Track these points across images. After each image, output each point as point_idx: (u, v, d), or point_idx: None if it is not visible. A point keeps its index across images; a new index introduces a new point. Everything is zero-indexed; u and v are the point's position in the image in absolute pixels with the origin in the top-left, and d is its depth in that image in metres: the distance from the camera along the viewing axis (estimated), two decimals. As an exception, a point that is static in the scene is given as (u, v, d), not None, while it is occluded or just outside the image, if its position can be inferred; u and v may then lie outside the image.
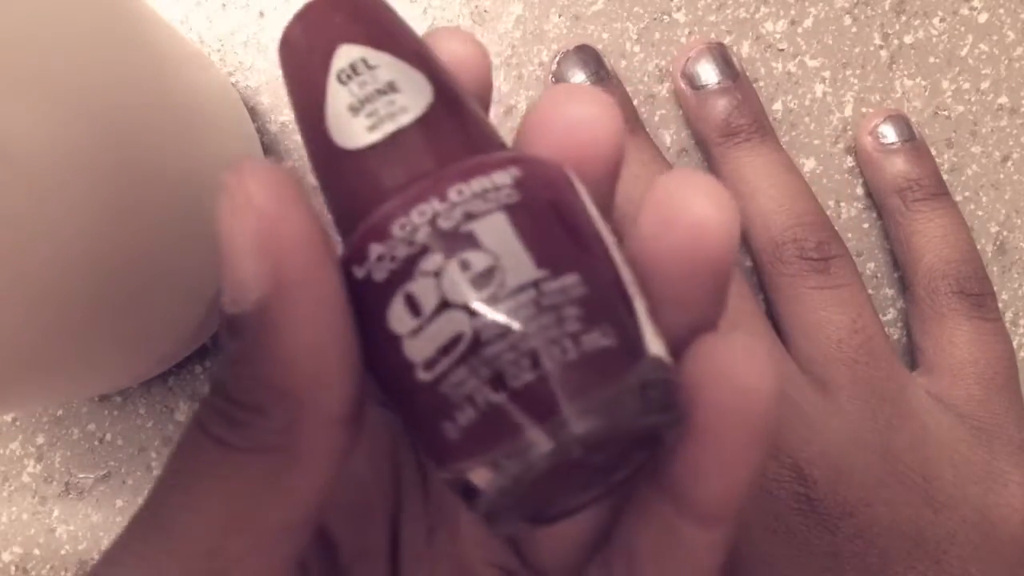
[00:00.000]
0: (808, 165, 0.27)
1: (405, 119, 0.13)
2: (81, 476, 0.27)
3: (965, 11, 0.28)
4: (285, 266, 0.11)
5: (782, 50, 0.27)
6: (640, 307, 0.12)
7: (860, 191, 0.27)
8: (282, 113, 0.27)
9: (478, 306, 0.11)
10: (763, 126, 0.26)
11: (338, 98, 0.13)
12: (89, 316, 0.17)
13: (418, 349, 0.12)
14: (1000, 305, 0.27)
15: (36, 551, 0.27)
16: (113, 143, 0.16)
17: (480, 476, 0.12)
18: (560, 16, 0.27)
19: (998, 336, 0.25)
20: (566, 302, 0.11)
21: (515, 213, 0.12)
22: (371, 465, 0.17)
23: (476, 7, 0.27)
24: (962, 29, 0.28)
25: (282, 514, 0.12)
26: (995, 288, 0.26)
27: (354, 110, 0.13)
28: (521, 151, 0.13)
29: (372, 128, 0.13)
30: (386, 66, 0.13)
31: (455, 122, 0.13)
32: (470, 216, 0.12)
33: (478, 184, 0.12)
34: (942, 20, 0.28)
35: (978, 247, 0.26)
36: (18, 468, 0.27)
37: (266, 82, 0.27)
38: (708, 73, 0.26)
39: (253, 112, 0.27)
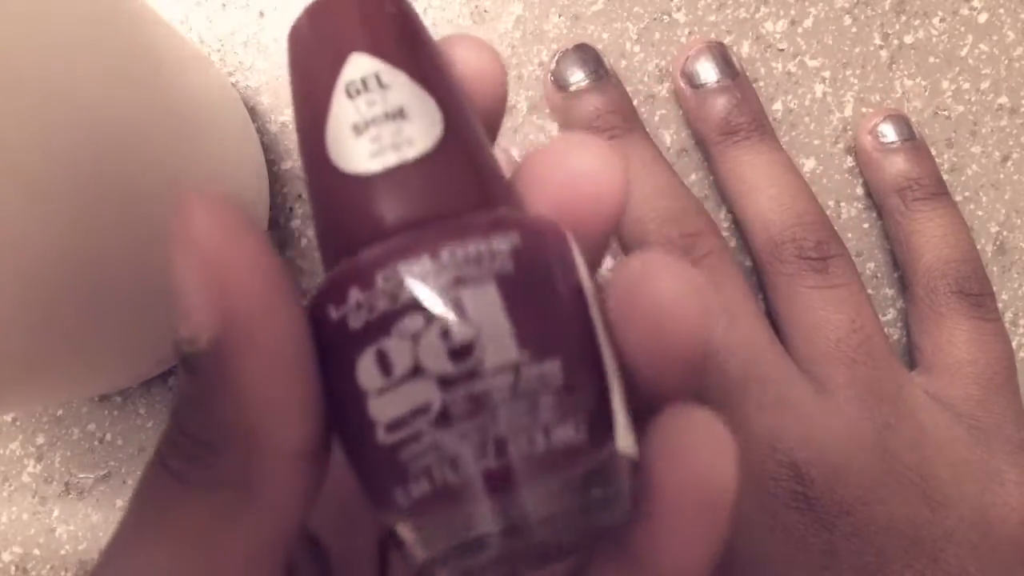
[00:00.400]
0: (808, 165, 0.27)
1: (410, 153, 0.12)
2: (81, 476, 0.27)
3: (965, 11, 0.28)
4: (234, 306, 0.11)
5: (782, 50, 0.27)
6: (616, 395, 0.12)
7: (860, 191, 0.27)
8: (282, 113, 0.27)
9: (452, 380, 0.11)
10: (762, 125, 0.26)
11: (343, 113, 0.12)
12: (89, 316, 0.17)
13: (382, 409, 0.11)
14: (1000, 305, 0.27)
15: (36, 551, 0.27)
16: (112, 143, 0.16)
17: (420, 544, 0.11)
18: (560, 16, 0.27)
19: (997, 336, 0.25)
20: (543, 390, 0.11)
21: (506, 286, 0.11)
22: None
23: (476, 7, 0.27)
24: (962, 29, 0.28)
25: (246, 547, 0.12)
26: (995, 288, 0.26)
27: (357, 130, 0.12)
28: (521, 212, 0.13)
29: (373, 155, 0.12)
30: (399, 87, 0.12)
31: (461, 164, 0.12)
32: (460, 282, 0.11)
33: (474, 247, 0.11)
34: (942, 20, 0.28)
35: (978, 247, 0.26)
36: (18, 468, 0.27)
37: (266, 82, 0.27)
38: (707, 72, 0.26)
39: (253, 112, 0.27)
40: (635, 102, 0.27)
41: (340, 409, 0.12)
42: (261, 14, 0.27)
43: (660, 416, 0.13)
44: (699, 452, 0.12)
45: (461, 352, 0.11)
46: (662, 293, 0.12)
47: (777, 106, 0.27)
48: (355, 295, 0.11)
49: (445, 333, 0.11)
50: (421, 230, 0.12)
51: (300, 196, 0.27)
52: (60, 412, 0.27)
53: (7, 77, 0.13)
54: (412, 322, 0.11)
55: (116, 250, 0.17)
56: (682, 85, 0.26)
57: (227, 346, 0.11)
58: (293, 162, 0.27)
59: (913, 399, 0.24)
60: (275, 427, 0.11)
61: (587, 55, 0.26)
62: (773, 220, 0.25)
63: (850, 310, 0.24)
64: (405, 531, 0.12)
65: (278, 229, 0.27)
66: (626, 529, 0.13)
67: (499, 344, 0.11)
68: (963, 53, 0.28)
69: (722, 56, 0.26)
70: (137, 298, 0.19)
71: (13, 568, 0.27)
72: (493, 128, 0.14)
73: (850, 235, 0.27)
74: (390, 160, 0.12)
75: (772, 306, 0.25)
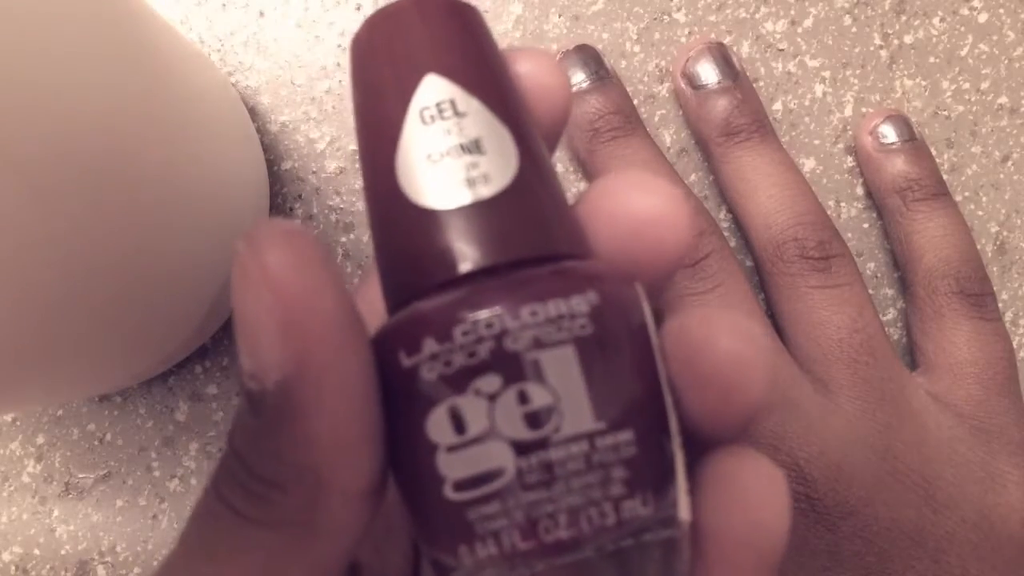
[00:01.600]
0: (808, 165, 0.27)
1: (485, 191, 0.11)
2: (81, 476, 0.27)
3: (965, 11, 0.28)
4: (309, 348, 0.10)
5: (782, 50, 0.27)
6: (680, 465, 0.12)
7: (860, 191, 0.27)
8: (282, 113, 0.27)
9: (527, 447, 0.11)
10: (763, 126, 0.26)
11: (416, 140, 0.12)
12: (90, 316, 0.17)
13: (452, 467, 0.11)
14: (1000, 305, 0.27)
15: (36, 551, 0.27)
16: (112, 143, 0.16)
17: None
18: (560, 16, 0.27)
19: (998, 336, 0.25)
20: (616, 462, 0.11)
21: (585, 350, 0.11)
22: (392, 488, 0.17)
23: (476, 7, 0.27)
24: (962, 29, 0.28)
25: None
26: (995, 288, 0.26)
27: (432, 161, 0.12)
28: (595, 261, 0.12)
29: (448, 190, 0.11)
30: (475, 116, 0.12)
31: (535, 205, 0.12)
32: (539, 344, 0.11)
33: (554, 308, 0.11)
34: (942, 20, 0.28)
35: (978, 247, 0.26)
36: (18, 468, 0.27)
37: (266, 82, 0.27)
38: (708, 73, 0.26)
39: (253, 112, 0.27)
40: (635, 102, 0.27)
41: (404, 455, 0.12)
42: (261, 14, 0.27)
43: (712, 461, 0.12)
44: (756, 502, 0.12)
45: (538, 418, 0.11)
46: (726, 356, 0.12)
47: (777, 106, 0.27)
48: (430, 346, 0.11)
49: (523, 397, 0.11)
50: (498, 279, 0.11)
51: (300, 196, 0.27)
52: (60, 412, 0.27)
53: (8, 78, 0.13)
54: (489, 383, 0.11)
55: (116, 250, 0.17)
56: (683, 86, 0.26)
57: (296, 388, 0.11)
58: (293, 162, 0.27)
59: (915, 399, 0.24)
60: (341, 467, 0.11)
61: (588, 56, 0.26)
62: (775, 220, 0.25)
63: (852, 310, 0.24)
64: (459, 573, 0.11)
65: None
66: None
67: (576, 412, 0.11)
68: (963, 53, 0.28)
69: (723, 57, 0.26)
70: (137, 298, 0.18)
71: (13, 568, 0.27)
72: (552, 146, 0.14)
73: (850, 235, 0.27)
74: (465, 198, 0.11)
75: (773, 306, 0.25)
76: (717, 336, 0.12)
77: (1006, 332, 0.25)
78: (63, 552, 0.27)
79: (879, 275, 0.27)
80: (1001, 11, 0.28)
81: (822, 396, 0.24)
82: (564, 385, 0.11)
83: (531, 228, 0.12)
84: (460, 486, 0.11)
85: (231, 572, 0.12)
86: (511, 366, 0.11)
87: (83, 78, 0.15)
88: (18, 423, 0.27)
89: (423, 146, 0.12)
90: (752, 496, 0.12)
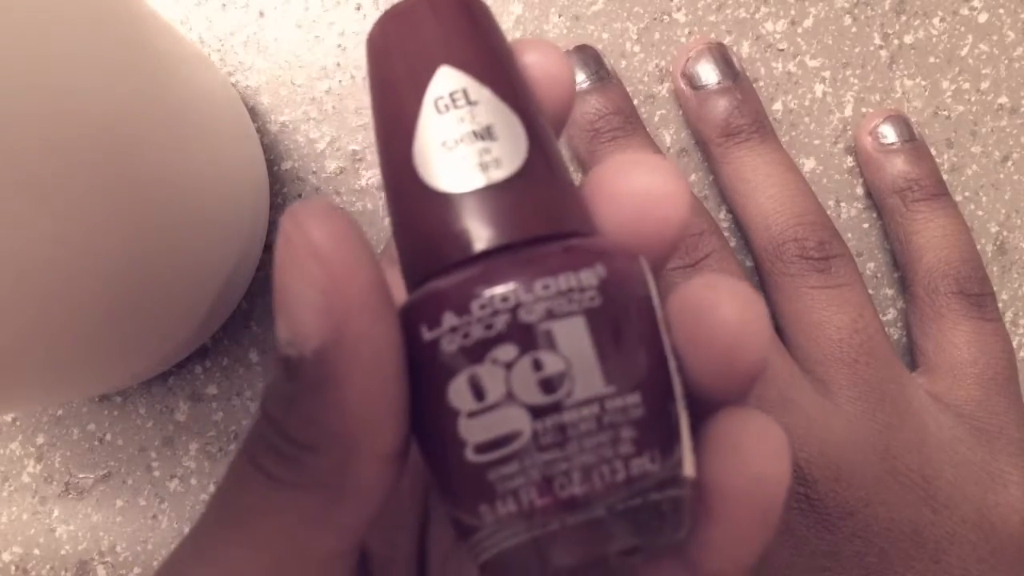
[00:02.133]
0: (808, 165, 0.27)
1: (497, 175, 0.12)
2: (81, 476, 0.27)
3: (965, 11, 0.28)
4: (347, 319, 0.11)
5: (782, 50, 0.27)
6: (684, 425, 0.13)
7: (860, 191, 0.27)
8: (282, 113, 0.27)
9: (542, 410, 0.11)
10: (763, 126, 0.26)
11: (431, 128, 0.12)
12: (90, 316, 0.17)
13: (473, 431, 0.12)
14: (1000, 305, 0.27)
15: (36, 551, 0.27)
16: (112, 144, 0.16)
17: (494, 545, 0.12)
18: (560, 16, 0.27)
19: (998, 336, 0.25)
20: (625, 422, 0.12)
21: (594, 320, 0.12)
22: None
23: (476, 7, 0.27)
24: (962, 29, 0.28)
25: (332, 545, 0.13)
26: (995, 288, 0.26)
27: (446, 148, 0.12)
28: (601, 238, 0.13)
29: (462, 174, 0.12)
30: (486, 104, 0.13)
31: (544, 187, 0.13)
32: (552, 315, 0.12)
33: (564, 281, 0.12)
34: (942, 20, 0.28)
35: (978, 247, 0.26)
36: (18, 468, 0.27)
37: (266, 82, 0.27)
38: (708, 73, 0.26)
39: (253, 112, 0.27)
40: (635, 102, 0.27)
41: (427, 423, 0.12)
42: (261, 14, 0.27)
43: (716, 421, 0.13)
44: (756, 456, 0.13)
45: (552, 384, 0.12)
46: (729, 319, 0.12)
47: (777, 106, 0.27)
48: (450, 319, 0.12)
49: (537, 365, 0.11)
50: (511, 255, 0.12)
51: (300, 196, 0.27)
52: (60, 412, 0.27)
53: (8, 78, 0.13)
54: (506, 352, 0.12)
55: (116, 250, 0.17)
56: (682, 86, 0.26)
57: (333, 355, 0.11)
58: (293, 162, 0.27)
59: (915, 400, 0.24)
60: (371, 431, 0.12)
61: (588, 56, 0.26)
62: (775, 220, 0.25)
63: (852, 310, 0.24)
64: (482, 534, 0.12)
65: (278, 229, 0.27)
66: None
67: (586, 377, 0.12)
68: (963, 53, 0.28)
69: (723, 57, 0.26)
70: (137, 298, 0.18)
71: (13, 568, 0.27)
72: (558, 132, 0.15)
73: (850, 235, 0.27)
74: (478, 181, 0.12)
75: (773, 306, 0.25)
76: (719, 300, 0.13)
77: (1006, 332, 0.25)
78: (63, 552, 0.27)
79: (879, 275, 0.27)
80: (1001, 11, 0.28)
81: (822, 396, 0.24)
82: (575, 353, 0.12)
83: (541, 208, 0.13)
84: (480, 449, 0.12)
85: (261, 535, 0.12)
86: (526, 336, 0.12)
87: (83, 78, 0.15)
88: (18, 423, 0.27)
89: (438, 134, 0.12)
90: (752, 451, 0.13)
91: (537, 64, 0.14)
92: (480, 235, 0.12)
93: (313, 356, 0.11)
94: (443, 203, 0.12)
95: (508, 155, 0.12)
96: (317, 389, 0.12)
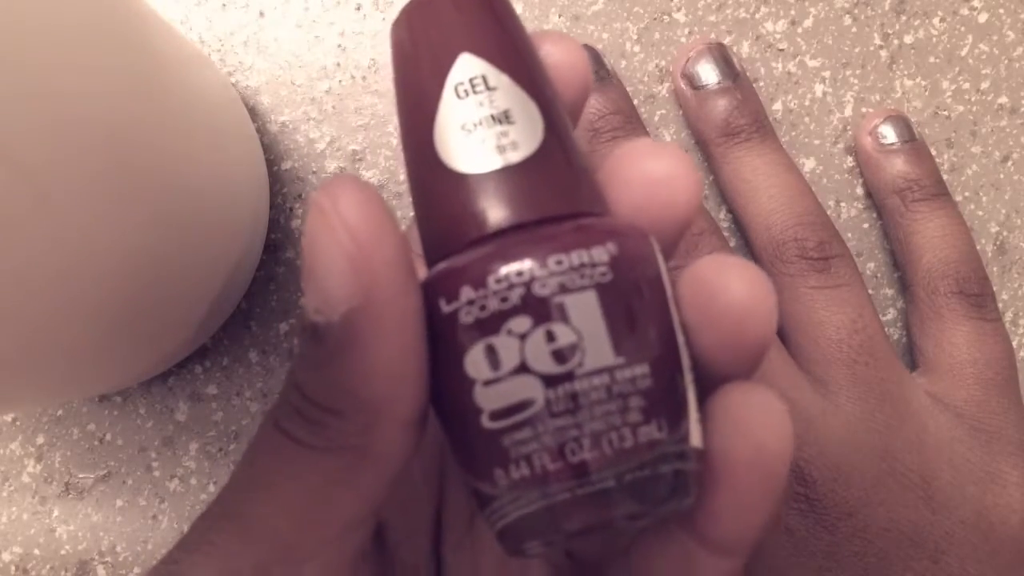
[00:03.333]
0: (808, 165, 0.27)
1: (514, 157, 0.13)
2: (81, 476, 0.27)
3: (965, 11, 0.28)
4: (374, 285, 0.12)
5: (782, 50, 0.27)
6: (691, 397, 0.13)
7: (860, 191, 0.27)
8: (282, 113, 0.27)
9: (554, 379, 0.12)
10: (763, 126, 0.26)
11: (452, 112, 0.13)
12: (90, 316, 0.17)
13: (488, 399, 0.12)
14: (1000, 305, 0.27)
15: (36, 551, 0.27)
16: (111, 144, 0.16)
17: (510, 512, 0.13)
18: (560, 16, 0.27)
19: (998, 336, 0.25)
20: (633, 392, 0.12)
21: (605, 295, 0.12)
22: (418, 453, 0.17)
23: (476, 7, 0.27)
24: (962, 29, 0.28)
25: (354, 508, 0.13)
26: (995, 288, 0.26)
27: (466, 131, 0.13)
28: (613, 218, 0.14)
29: (481, 156, 0.13)
30: (504, 90, 0.13)
31: (560, 168, 0.13)
32: (564, 289, 0.12)
33: (577, 257, 0.12)
34: (942, 20, 0.28)
35: (978, 247, 0.26)
36: (18, 468, 0.27)
37: (266, 82, 0.27)
38: (708, 73, 0.26)
39: (253, 112, 0.27)
40: (635, 102, 0.27)
41: (445, 391, 0.13)
42: (261, 14, 0.27)
43: (721, 395, 0.14)
44: (759, 427, 0.13)
45: (564, 354, 0.12)
46: (737, 297, 0.13)
47: (777, 106, 0.27)
48: (467, 293, 0.12)
49: (550, 336, 0.12)
50: (526, 233, 0.13)
51: (300, 196, 0.27)
52: (60, 412, 0.27)
53: (8, 79, 0.13)
54: (520, 324, 0.12)
55: (115, 250, 0.17)
56: (682, 86, 0.26)
57: (359, 322, 0.12)
58: (293, 162, 0.27)
59: (914, 400, 0.24)
60: (394, 396, 0.12)
61: (588, 56, 0.26)
62: (775, 220, 0.25)
63: (852, 310, 0.24)
64: (498, 502, 0.13)
65: (278, 229, 0.27)
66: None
67: (597, 348, 0.12)
68: (963, 53, 0.28)
69: (723, 57, 0.26)
70: (137, 298, 0.18)
71: (13, 568, 0.27)
72: (575, 122, 0.15)
73: (850, 235, 0.27)
74: (495, 163, 0.13)
75: (773, 306, 0.25)
76: (728, 277, 0.13)
77: (1006, 332, 0.25)
78: (63, 552, 0.27)
79: (879, 275, 0.27)
80: (1001, 11, 0.28)
81: (822, 397, 0.24)
82: (587, 325, 0.12)
83: (555, 189, 0.13)
84: (496, 416, 0.12)
85: (286, 496, 0.13)
86: (539, 309, 0.12)
87: (82, 79, 0.15)
88: (18, 423, 0.27)
89: (458, 117, 0.13)
90: (756, 421, 0.13)
91: (554, 53, 0.14)
92: (497, 214, 0.13)
93: (341, 320, 0.12)
94: (462, 184, 0.13)
95: (525, 138, 0.13)
96: (343, 353, 0.12)
